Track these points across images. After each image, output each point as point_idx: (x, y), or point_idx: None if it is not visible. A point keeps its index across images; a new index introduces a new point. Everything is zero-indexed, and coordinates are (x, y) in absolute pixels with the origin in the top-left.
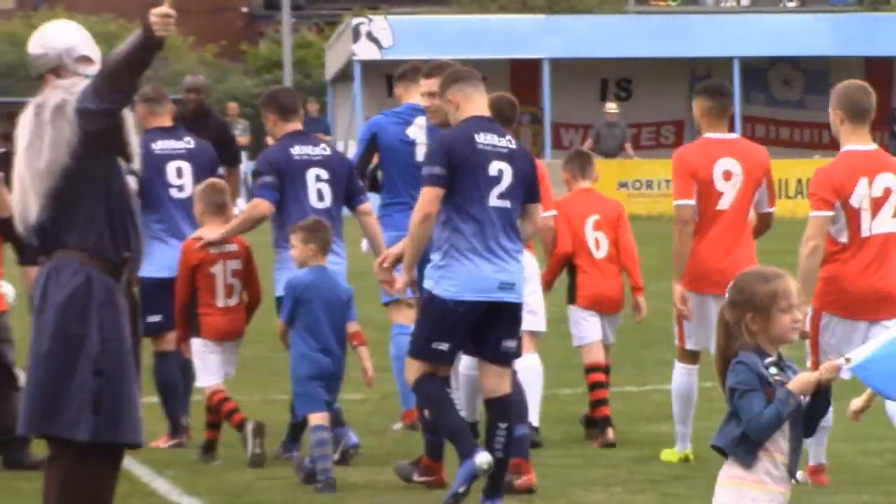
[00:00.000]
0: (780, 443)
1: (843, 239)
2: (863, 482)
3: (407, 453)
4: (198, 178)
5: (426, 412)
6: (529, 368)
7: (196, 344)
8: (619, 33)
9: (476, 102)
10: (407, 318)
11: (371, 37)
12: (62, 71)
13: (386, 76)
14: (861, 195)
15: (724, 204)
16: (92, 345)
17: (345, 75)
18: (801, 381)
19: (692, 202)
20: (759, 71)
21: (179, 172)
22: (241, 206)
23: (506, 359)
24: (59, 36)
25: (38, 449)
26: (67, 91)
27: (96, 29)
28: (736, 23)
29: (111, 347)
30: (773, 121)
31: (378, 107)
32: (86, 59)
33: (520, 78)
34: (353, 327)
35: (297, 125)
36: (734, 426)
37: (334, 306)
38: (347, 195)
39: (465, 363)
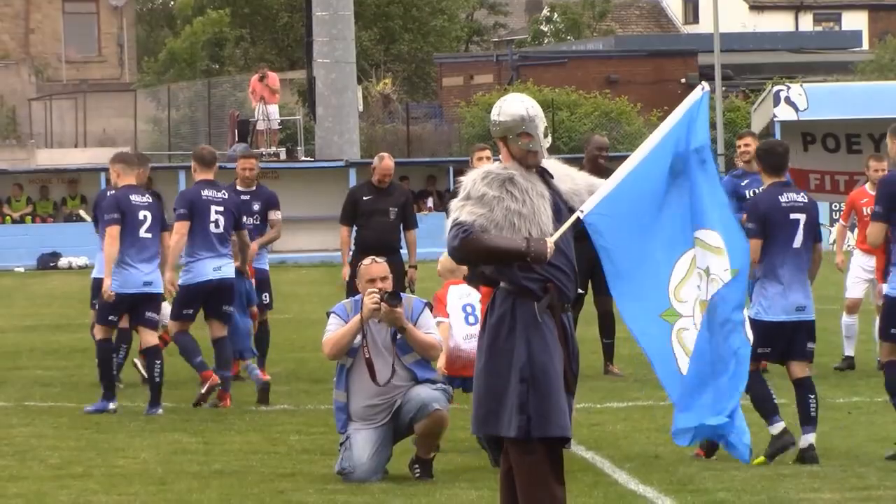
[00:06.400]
0: None
1: None
2: None
3: None
4: None
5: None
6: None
7: None
8: None
9: (130, 177)
10: None
11: (789, 101)
12: (507, 142)
13: (801, 134)
14: None
15: None
16: (518, 357)
17: (767, 133)
18: None
19: None
20: None
21: None
22: None
23: None
24: (510, 109)
25: None
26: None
27: (561, 99)
28: None
29: (537, 359)
30: None
31: (795, 159)
32: (526, 135)
33: None
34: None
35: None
36: None
37: None
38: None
39: (845, 320)
